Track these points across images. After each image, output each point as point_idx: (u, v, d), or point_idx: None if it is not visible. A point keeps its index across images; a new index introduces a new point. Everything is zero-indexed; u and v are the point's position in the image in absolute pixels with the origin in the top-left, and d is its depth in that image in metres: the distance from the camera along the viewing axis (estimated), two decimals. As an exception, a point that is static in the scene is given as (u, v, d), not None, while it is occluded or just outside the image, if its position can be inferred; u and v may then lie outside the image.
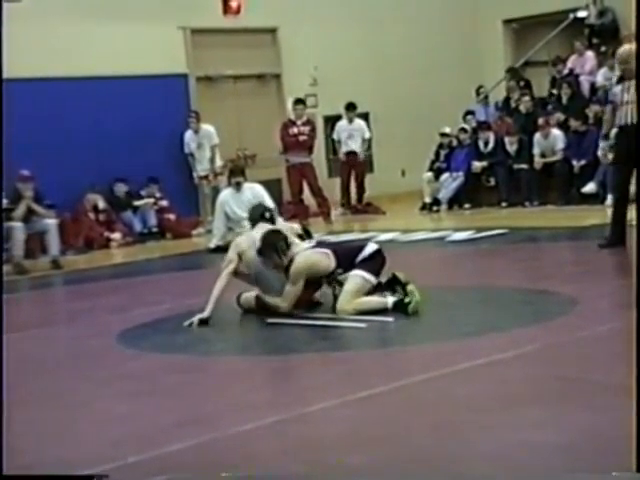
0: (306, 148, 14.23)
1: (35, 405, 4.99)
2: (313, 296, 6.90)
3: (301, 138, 14.18)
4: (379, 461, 3.63)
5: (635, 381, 3.33)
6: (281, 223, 11.92)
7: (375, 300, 6.54)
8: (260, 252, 6.65)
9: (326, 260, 6.61)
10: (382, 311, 6.39)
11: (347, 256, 6.65)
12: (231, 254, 6.88)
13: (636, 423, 3.22)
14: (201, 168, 14.10)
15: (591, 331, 5.46)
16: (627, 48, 8.57)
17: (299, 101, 14.41)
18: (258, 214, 7.23)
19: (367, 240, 7.08)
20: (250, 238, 6.94)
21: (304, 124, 14.26)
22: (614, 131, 8.62)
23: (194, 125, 13.99)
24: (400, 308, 6.35)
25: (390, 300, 6.45)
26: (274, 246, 6.61)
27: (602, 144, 9.07)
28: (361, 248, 6.72)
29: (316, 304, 6.90)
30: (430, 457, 3.64)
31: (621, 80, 8.46)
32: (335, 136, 14.92)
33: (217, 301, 6.67)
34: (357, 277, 6.55)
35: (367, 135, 14.99)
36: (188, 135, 14.07)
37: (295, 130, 14.21)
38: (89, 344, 6.54)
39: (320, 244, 7.02)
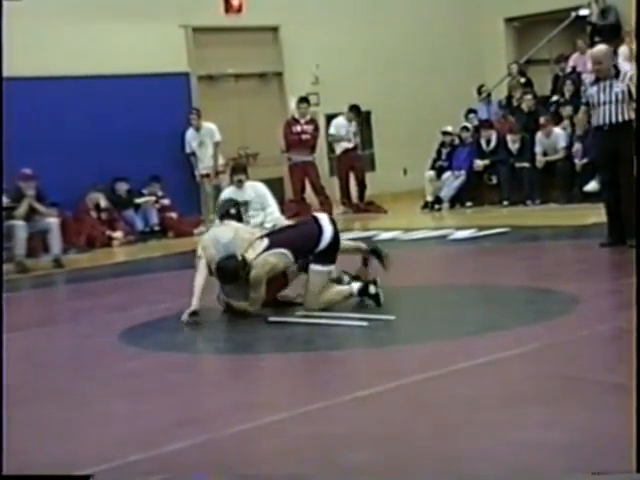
0: (309, 147, 14.23)
1: (36, 404, 4.98)
2: (285, 295, 6.97)
3: (304, 137, 14.17)
4: (380, 461, 3.62)
5: (635, 381, 3.33)
6: (284, 221, 11.99)
7: (340, 290, 6.72)
8: (224, 281, 6.71)
9: (283, 259, 6.64)
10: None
11: (305, 247, 6.66)
12: (199, 251, 6.93)
13: (636, 423, 3.22)
14: (203, 166, 14.09)
15: (593, 330, 5.45)
16: (601, 48, 8.52)
17: (303, 99, 14.40)
18: (225, 210, 7.26)
19: (319, 224, 6.70)
20: (214, 237, 6.95)
21: (307, 123, 14.26)
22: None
23: (195, 122, 13.99)
24: (367, 295, 6.58)
25: (355, 287, 6.65)
26: (233, 274, 6.61)
27: (577, 145, 9.06)
28: (318, 237, 6.64)
29: (285, 304, 6.93)
30: (431, 456, 3.63)
31: (597, 81, 8.43)
32: (334, 131, 14.82)
33: (202, 291, 6.72)
34: (317, 274, 6.62)
35: (355, 130, 14.95)
36: (189, 134, 14.07)
37: (298, 128, 14.20)
38: (90, 343, 6.53)
39: (272, 237, 6.85)
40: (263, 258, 6.62)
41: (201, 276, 6.78)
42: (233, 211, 7.18)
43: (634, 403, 3.40)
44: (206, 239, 7.00)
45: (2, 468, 3.58)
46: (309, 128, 14.26)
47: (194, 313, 6.65)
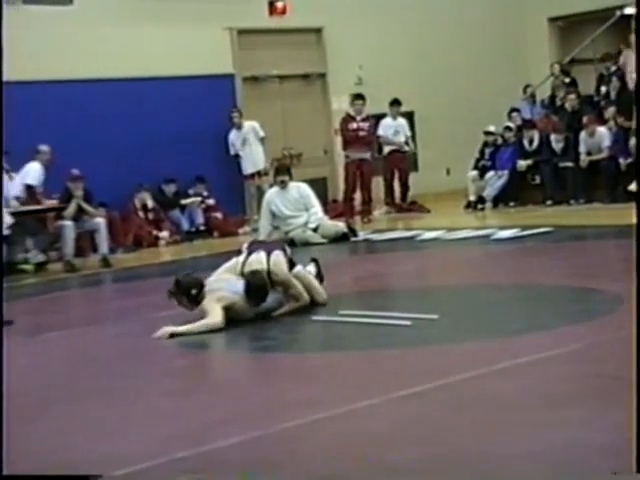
0: (366, 144, 14.22)
1: (82, 402, 5.06)
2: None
3: (361, 134, 14.17)
4: (423, 459, 3.64)
5: (635, 381, 3.33)
6: (327, 222, 12.02)
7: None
8: (260, 294, 6.68)
9: (286, 258, 7.04)
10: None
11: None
12: (217, 299, 6.64)
13: (636, 424, 3.22)
14: (248, 165, 14.16)
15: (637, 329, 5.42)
16: None
17: (358, 96, 14.38)
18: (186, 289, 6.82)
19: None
20: (218, 288, 6.74)
21: (363, 120, 14.26)
22: None
23: (237, 120, 14.06)
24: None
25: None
26: (265, 283, 6.72)
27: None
28: None
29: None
30: (473, 455, 3.65)
31: None
32: (381, 132, 14.80)
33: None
34: (307, 272, 7.17)
35: (408, 133, 14.97)
36: (232, 135, 14.14)
37: (354, 125, 14.19)
38: (137, 341, 6.60)
39: (262, 247, 7.16)
40: (274, 261, 6.85)
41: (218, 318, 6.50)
42: (194, 292, 6.74)
43: (634, 404, 3.41)
44: (218, 296, 6.62)
45: (2, 468, 3.54)
46: (365, 125, 14.24)
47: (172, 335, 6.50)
